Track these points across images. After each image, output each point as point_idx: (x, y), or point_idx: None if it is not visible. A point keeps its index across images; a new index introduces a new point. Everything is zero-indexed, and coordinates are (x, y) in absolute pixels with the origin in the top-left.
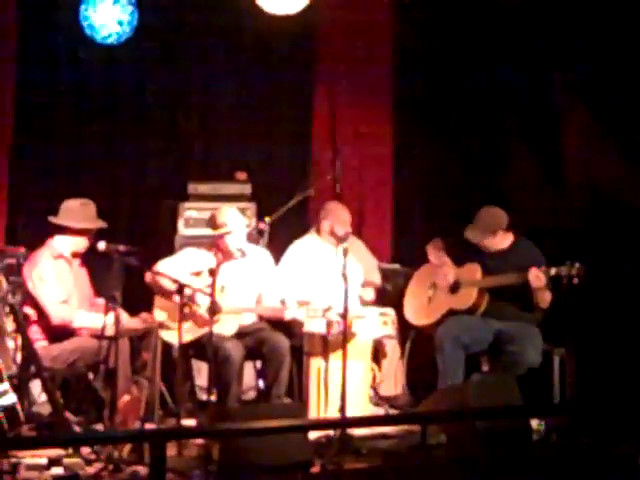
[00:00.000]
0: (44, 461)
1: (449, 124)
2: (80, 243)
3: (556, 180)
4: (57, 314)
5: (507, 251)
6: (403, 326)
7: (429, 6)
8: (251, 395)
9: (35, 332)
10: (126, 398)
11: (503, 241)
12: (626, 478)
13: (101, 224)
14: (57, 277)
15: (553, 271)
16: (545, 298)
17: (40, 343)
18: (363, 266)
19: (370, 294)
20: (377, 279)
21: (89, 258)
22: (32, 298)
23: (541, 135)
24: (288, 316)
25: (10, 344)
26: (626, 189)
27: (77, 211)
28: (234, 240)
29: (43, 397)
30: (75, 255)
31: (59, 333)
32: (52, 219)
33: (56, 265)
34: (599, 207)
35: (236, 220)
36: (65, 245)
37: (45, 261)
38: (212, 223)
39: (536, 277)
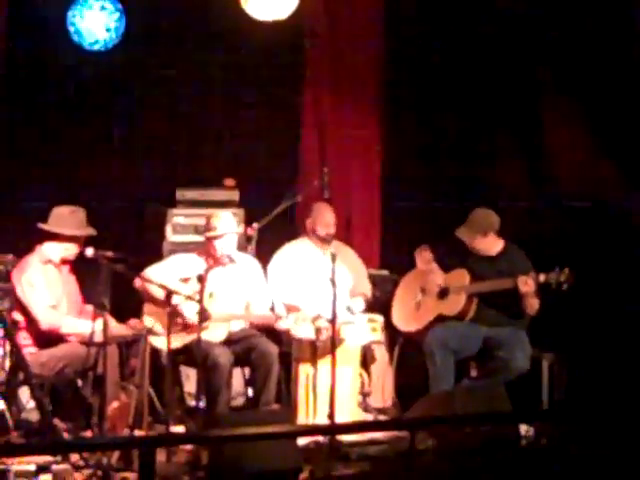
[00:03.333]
0: (33, 468)
1: (439, 128)
2: (69, 250)
3: (543, 183)
4: (46, 319)
5: (496, 257)
6: (391, 332)
7: (419, 2)
8: (240, 401)
9: (24, 338)
10: (115, 405)
11: (494, 247)
12: None
13: (91, 231)
14: (46, 283)
15: (542, 277)
16: (533, 305)
17: (29, 349)
18: (353, 276)
19: (360, 304)
20: (367, 289)
21: (78, 264)
22: (21, 304)
23: (528, 138)
24: (281, 327)
25: None
26: (613, 190)
27: (67, 218)
28: (224, 245)
29: (32, 404)
30: (64, 262)
31: (48, 339)
32: (42, 226)
33: (45, 271)
34: (587, 209)
35: (227, 225)
36: (54, 251)
37: (34, 267)
38: (205, 226)
39: (525, 283)
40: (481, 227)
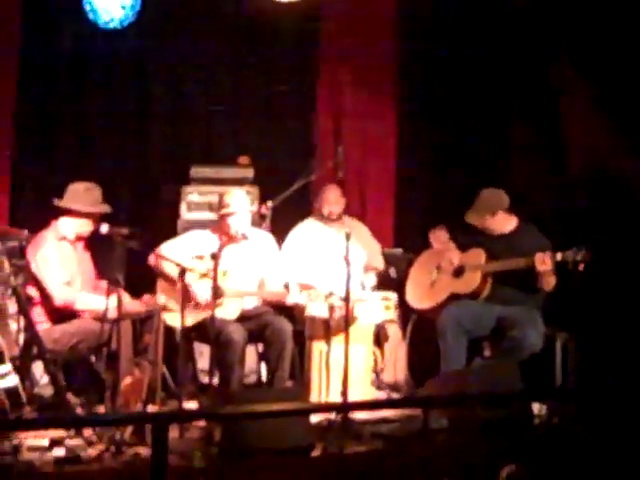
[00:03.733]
0: (46, 443)
1: (452, 109)
2: (84, 226)
3: (558, 163)
4: (60, 296)
5: (511, 235)
6: (404, 310)
7: None
8: (253, 379)
9: (38, 314)
10: (128, 380)
11: (506, 225)
12: (627, 463)
13: (105, 208)
14: (61, 259)
15: (559, 256)
16: (550, 282)
17: (43, 325)
18: (367, 251)
19: (372, 279)
20: (380, 264)
21: (92, 241)
22: (35, 280)
23: (543, 118)
24: (290, 301)
25: (13, 326)
26: (628, 172)
27: (82, 195)
28: (237, 222)
29: (45, 379)
30: (79, 238)
31: (62, 315)
32: (57, 202)
33: (60, 247)
34: (602, 190)
35: (241, 202)
36: (69, 228)
37: (49, 243)
38: (218, 204)
39: (542, 262)
40: (489, 207)
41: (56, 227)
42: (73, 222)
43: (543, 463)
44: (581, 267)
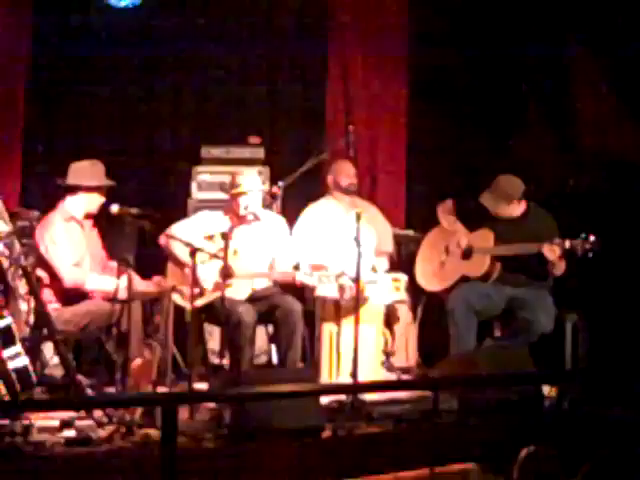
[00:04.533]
0: (56, 423)
1: (464, 90)
2: (92, 202)
3: (571, 147)
4: (70, 276)
5: (520, 219)
6: (415, 291)
7: None
8: (263, 359)
9: (48, 295)
10: (138, 361)
11: (516, 209)
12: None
13: (110, 183)
14: (69, 239)
15: (567, 244)
16: (559, 268)
17: (53, 305)
18: (378, 235)
19: (384, 264)
20: (390, 248)
21: (102, 222)
22: (44, 261)
23: (556, 101)
24: (298, 278)
25: (23, 307)
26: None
27: (86, 170)
28: (247, 202)
29: (55, 360)
30: (87, 216)
31: (72, 296)
32: (62, 181)
33: (68, 228)
34: (611, 170)
35: (252, 182)
36: (77, 206)
37: (57, 224)
38: (230, 183)
39: (550, 250)
40: (505, 196)
41: (63, 208)
42: (80, 199)
43: (558, 444)
44: (590, 255)
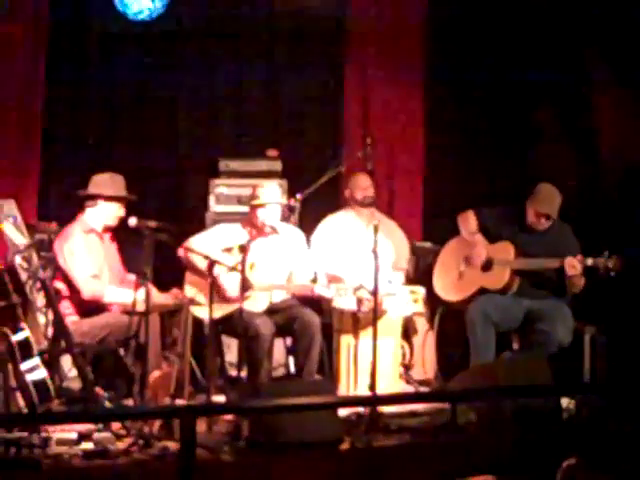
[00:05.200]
0: (74, 436)
1: (481, 101)
2: (112, 213)
3: (590, 160)
4: (88, 289)
5: (543, 233)
6: (432, 304)
7: None
8: (281, 372)
9: (66, 307)
10: (156, 374)
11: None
12: None
13: (130, 196)
14: (88, 252)
15: (590, 262)
16: (578, 284)
17: (71, 318)
18: (396, 250)
19: (400, 277)
20: (406, 265)
21: (120, 235)
22: (63, 273)
23: (574, 114)
24: (316, 291)
25: (41, 319)
26: None
27: (106, 182)
28: (266, 215)
29: (73, 372)
30: (107, 229)
31: (90, 308)
32: (82, 192)
33: (87, 240)
34: (633, 187)
35: (271, 195)
36: (97, 218)
37: (76, 236)
38: (250, 196)
39: (572, 266)
40: (557, 203)
41: (82, 220)
42: (100, 211)
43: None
44: (613, 274)
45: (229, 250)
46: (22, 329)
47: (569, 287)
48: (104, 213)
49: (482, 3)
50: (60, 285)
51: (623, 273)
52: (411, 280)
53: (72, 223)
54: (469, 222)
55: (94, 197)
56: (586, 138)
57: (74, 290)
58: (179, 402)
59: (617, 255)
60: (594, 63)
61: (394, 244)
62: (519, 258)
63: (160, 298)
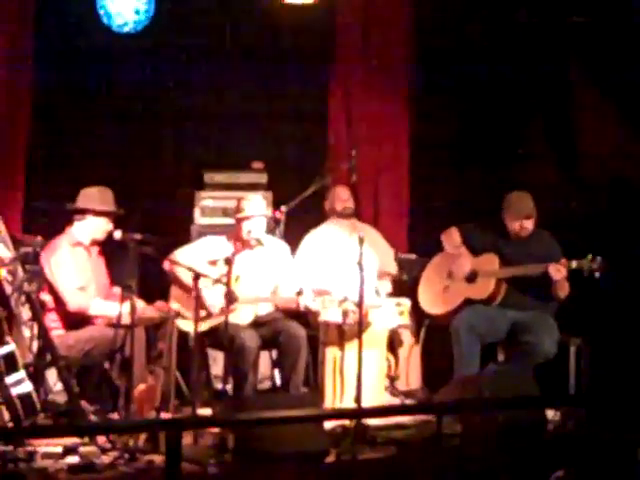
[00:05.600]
0: (60, 450)
1: (467, 112)
2: (100, 228)
3: (573, 167)
4: (74, 301)
5: (525, 240)
6: (418, 316)
7: None
8: (267, 385)
9: (52, 320)
10: (142, 387)
11: (531, 225)
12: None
13: (119, 210)
14: (75, 264)
15: (574, 264)
16: (564, 290)
17: (57, 332)
18: (379, 257)
19: (387, 286)
20: (393, 269)
21: (105, 247)
22: (50, 285)
23: (559, 122)
24: (302, 303)
25: (26, 333)
26: None
27: (95, 196)
28: (251, 227)
29: (59, 386)
30: (94, 243)
31: (76, 320)
32: (71, 205)
33: (74, 253)
34: (616, 195)
35: (256, 207)
36: (84, 232)
37: (64, 248)
38: (235, 208)
39: (556, 270)
40: (530, 210)
41: (70, 233)
42: (88, 225)
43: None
44: (597, 276)
45: (214, 263)
46: (7, 342)
47: (555, 292)
48: (92, 227)
49: (468, 19)
50: (47, 297)
51: (606, 274)
52: (398, 289)
53: (60, 236)
54: (452, 237)
55: (83, 211)
56: (571, 152)
57: (60, 302)
58: (164, 415)
59: (600, 256)
60: (577, 71)
61: (377, 251)
62: (504, 267)
63: (146, 311)
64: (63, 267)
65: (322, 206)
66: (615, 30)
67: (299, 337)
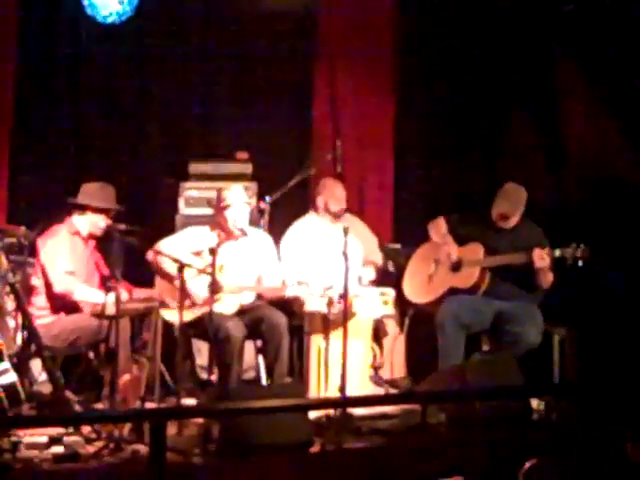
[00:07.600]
0: (44, 440)
1: (452, 103)
2: (98, 223)
3: (558, 159)
4: (60, 282)
5: (512, 230)
6: (402, 306)
7: None
8: (251, 374)
9: (39, 305)
10: (126, 377)
11: (517, 217)
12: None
13: (119, 207)
14: (70, 251)
15: (558, 253)
16: (548, 279)
17: (44, 319)
18: (364, 245)
19: (371, 273)
20: (378, 258)
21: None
22: (42, 268)
23: (543, 115)
24: (289, 293)
25: (11, 323)
26: (627, 167)
27: (96, 192)
28: (233, 215)
29: (43, 376)
30: (91, 236)
31: (62, 305)
32: (71, 200)
33: (72, 240)
34: (600, 186)
35: (237, 196)
36: (83, 225)
37: (62, 235)
38: (216, 199)
39: (540, 258)
40: (521, 201)
41: (70, 222)
42: (87, 219)
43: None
44: (580, 264)
45: (198, 254)
46: None
47: (538, 281)
48: (90, 222)
49: (453, 13)
50: (37, 282)
51: (590, 262)
52: (382, 278)
53: (59, 224)
54: (439, 227)
55: (83, 207)
56: (556, 145)
57: (47, 285)
58: (149, 405)
59: (584, 244)
60: (563, 67)
61: (361, 240)
62: (488, 256)
63: (139, 293)
64: (57, 251)
65: (307, 196)
66: (603, 18)
67: (280, 325)
